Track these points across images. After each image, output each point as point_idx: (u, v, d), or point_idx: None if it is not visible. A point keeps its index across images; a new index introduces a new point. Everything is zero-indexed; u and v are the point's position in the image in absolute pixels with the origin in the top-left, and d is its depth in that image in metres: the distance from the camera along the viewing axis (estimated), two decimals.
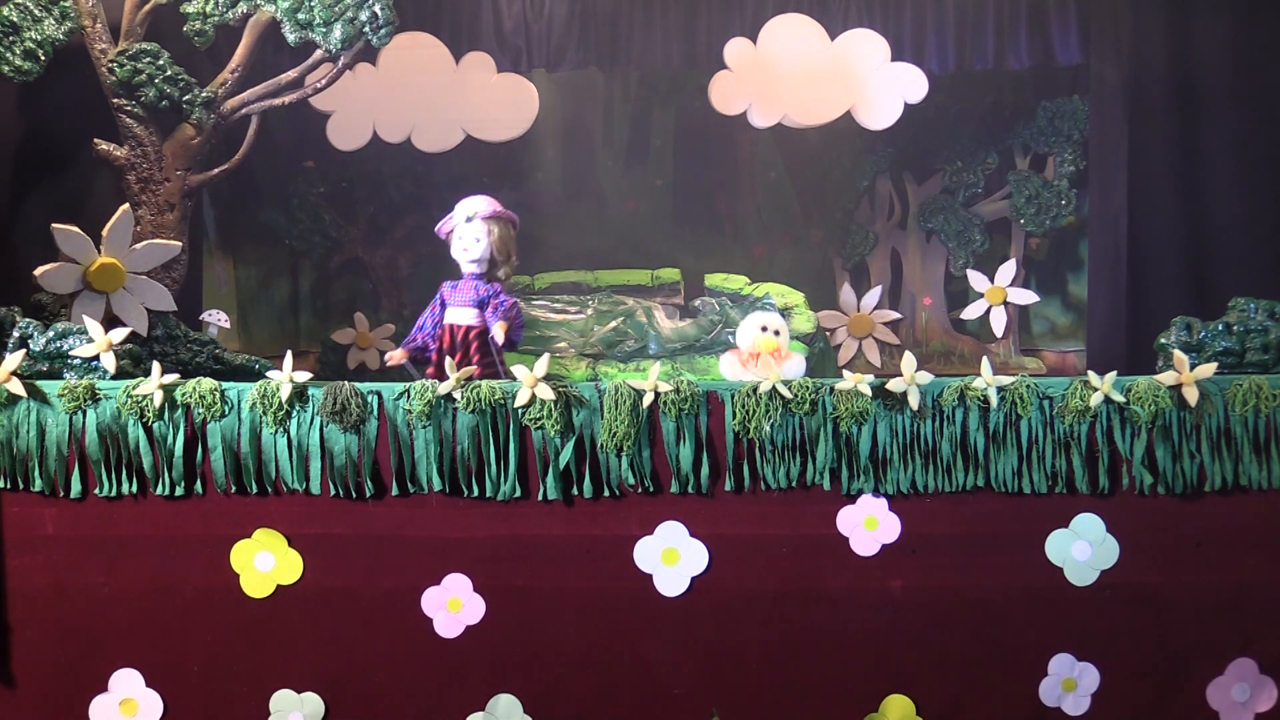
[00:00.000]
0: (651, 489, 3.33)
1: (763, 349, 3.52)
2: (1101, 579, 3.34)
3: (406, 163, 6.07)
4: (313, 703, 3.36)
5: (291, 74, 4.78)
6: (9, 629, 3.35)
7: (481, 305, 3.91)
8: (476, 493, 3.32)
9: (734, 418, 3.30)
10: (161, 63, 4.64)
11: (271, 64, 4.93)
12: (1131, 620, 3.35)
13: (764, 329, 3.59)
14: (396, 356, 3.96)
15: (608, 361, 5.44)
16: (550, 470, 3.30)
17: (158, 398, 3.28)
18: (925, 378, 3.31)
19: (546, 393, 3.26)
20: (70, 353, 3.46)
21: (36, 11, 4.47)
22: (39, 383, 3.34)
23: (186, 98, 4.68)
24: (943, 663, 3.36)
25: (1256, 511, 3.34)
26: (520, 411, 3.29)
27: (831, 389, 3.31)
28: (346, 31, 4.57)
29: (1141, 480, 3.32)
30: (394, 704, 3.36)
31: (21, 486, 3.32)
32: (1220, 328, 3.71)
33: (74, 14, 4.58)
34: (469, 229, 3.91)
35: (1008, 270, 5.61)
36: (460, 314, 3.92)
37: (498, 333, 3.82)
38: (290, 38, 4.62)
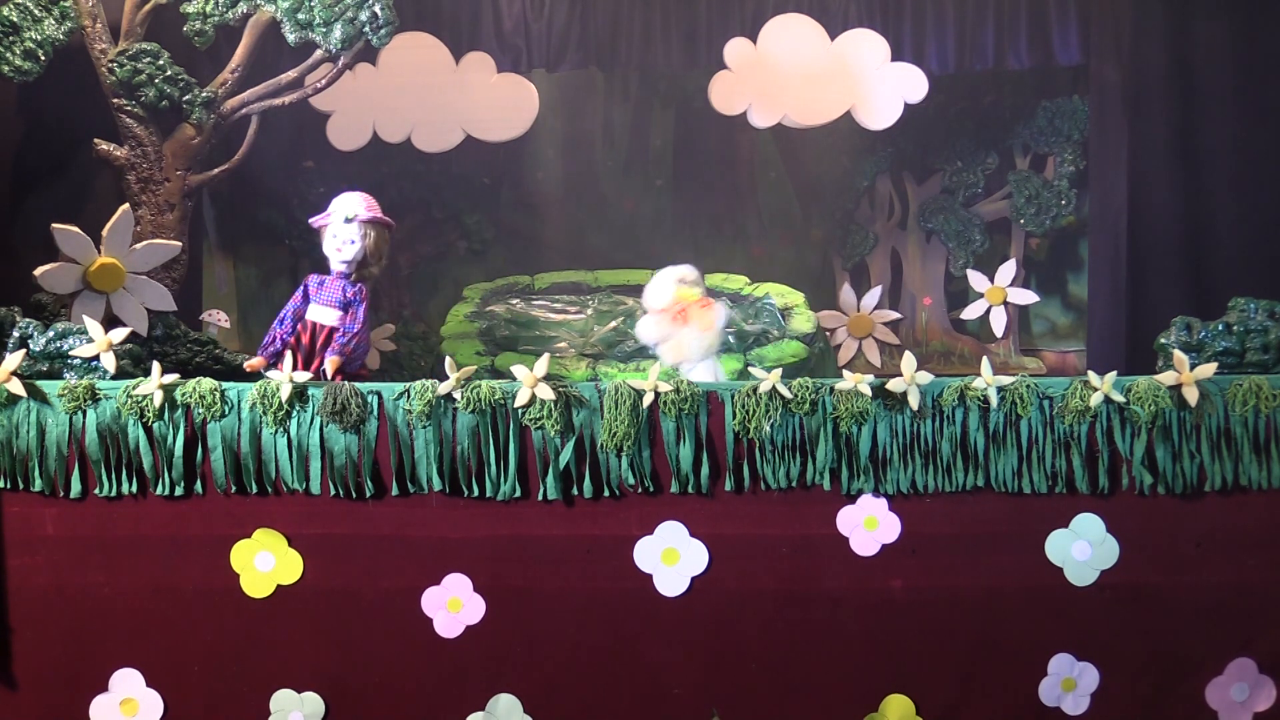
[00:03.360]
0: (651, 489, 3.33)
1: (688, 299, 3.52)
2: (1101, 579, 3.34)
3: (406, 163, 6.06)
4: (313, 703, 3.36)
5: (291, 74, 4.78)
6: (9, 629, 3.35)
7: (345, 307, 3.78)
8: (476, 493, 3.32)
9: (734, 418, 3.30)
10: (161, 63, 4.64)
11: (271, 64, 4.93)
12: (1131, 620, 3.35)
13: (682, 281, 3.59)
14: (255, 364, 3.73)
15: (608, 361, 5.43)
16: (550, 470, 3.30)
17: (158, 398, 3.28)
18: (925, 378, 3.31)
19: (546, 393, 3.26)
20: (70, 353, 3.46)
21: (36, 11, 4.47)
22: (39, 383, 3.34)
23: (186, 98, 4.68)
24: (943, 663, 3.37)
25: (1256, 511, 3.34)
26: (520, 411, 3.29)
27: (831, 389, 3.31)
28: (346, 31, 4.57)
29: (1141, 480, 3.32)
30: (394, 704, 3.37)
31: (21, 486, 3.32)
32: (1220, 328, 3.71)
33: (74, 14, 4.58)
34: (346, 229, 3.76)
35: (1008, 270, 5.60)
36: (323, 313, 3.78)
37: (328, 366, 3.65)
38: (290, 38, 4.62)
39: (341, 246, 3.77)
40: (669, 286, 3.61)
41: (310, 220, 3.89)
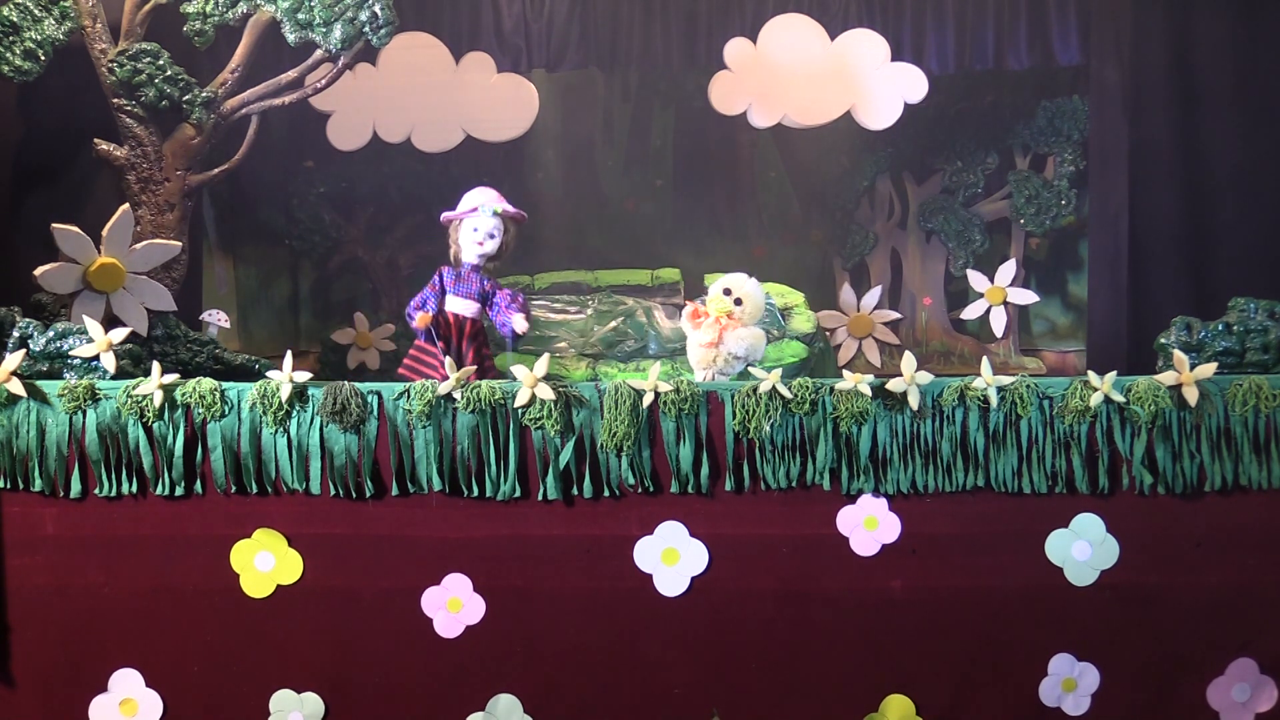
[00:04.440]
0: (651, 489, 3.33)
1: (713, 311, 3.50)
2: (1101, 579, 3.34)
3: (406, 163, 6.06)
4: (313, 703, 3.36)
5: (291, 74, 4.78)
6: (9, 629, 3.35)
7: (483, 299, 3.87)
8: (476, 493, 3.32)
9: (734, 418, 3.30)
10: (161, 63, 4.64)
11: (271, 64, 4.93)
12: (1131, 620, 3.35)
13: (726, 292, 3.56)
14: (425, 318, 3.79)
15: (608, 361, 5.43)
16: (550, 470, 3.30)
17: (158, 398, 3.28)
18: (925, 378, 3.31)
19: (546, 393, 3.26)
20: (70, 353, 3.46)
21: (36, 11, 4.47)
22: (39, 383, 3.34)
23: (186, 98, 4.67)
24: (943, 663, 3.37)
25: (1256, 511, 3.34)
26: (520, 411, 3.29)
27: (831, 389, 3.31)
28: (346, 31, 4.56)
29: (1141, 480, 3.32)
30: (394, 704, 3.37)
31: (21, 486, 3.33)
32: (1220, 328, 3.71)
33: (74, 14, 4.58)
34: (489, 222, 3.84)
35: (1008, 270, 5.60)
36: (463, 305, 3.85)
37: (519, 323, 3.79)
38: (290, 38, 4.61)
39: (484, 240, 3.85)
40: (714, 289, 3.61)
41: (443, 216, 3.93)
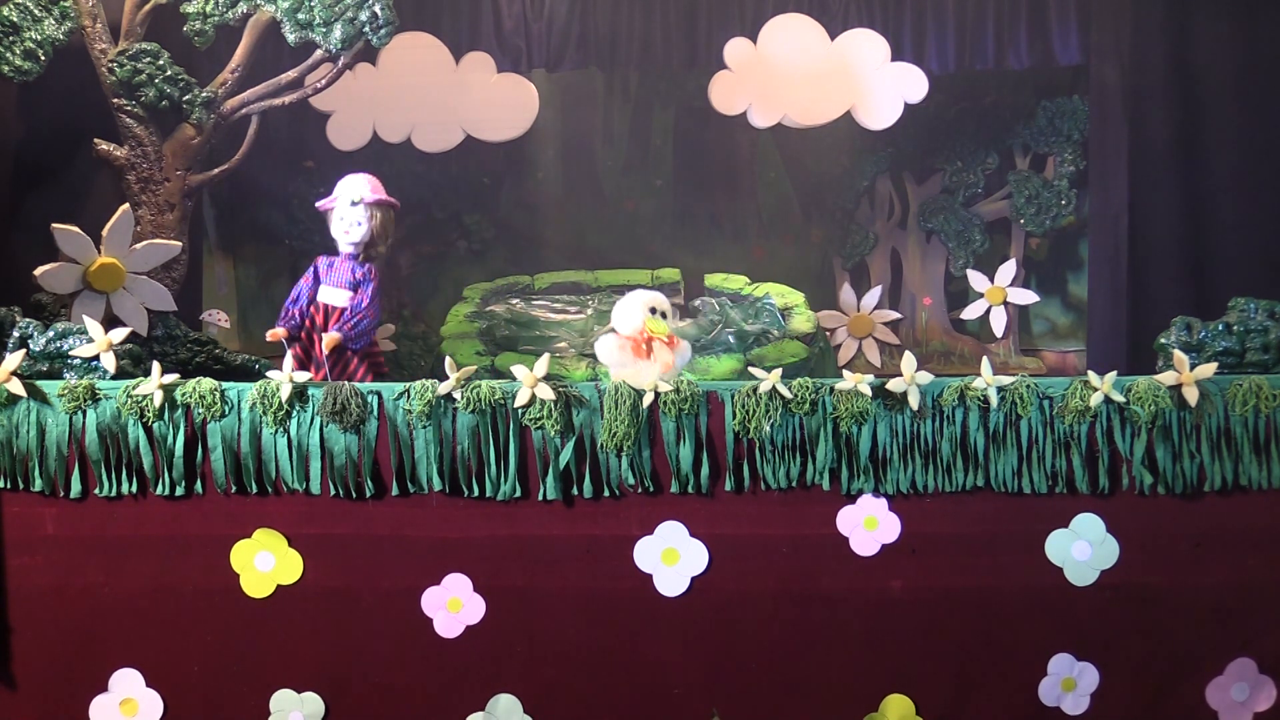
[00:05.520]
0: (651, 489, 3.33)
1: (657, 334, 3.43)
2: (1101, 579, 3.34)
3: (406, 163, 6.07)
4: (313, 703, 3.36)
5: (291, 74, 4.78)
6: (9, 629, 3.35)
7: (355, 287, 3.87)
8: (476, 493, 3.32)
9: (734, 418, 3.30)
10: (161, 63, 4.64)
11: (271, 64, 4.93)
12: (1131, 620, 3.35)
13: (653, 311, 3.49)
14: (278, 333, 3.86)
15: None
16: (550, 470, 3.30)
17: (158, 398, 3.28)
18: (925, 378, 3.31)
19: (546, 393, 3.26)
20: (70, 353, 3.46)
21: (36, 11, 4.47)
22: (39, 383, 3.34)
23: (186, 98, 4.68)
24: (943, 663, 3.37)
25: (1256, 511, 3.34)
26: (520, 411, 3.29)
27: (831, 389, 3.31)
28: (346, 31, 4.57)
29: (1141, 480, 3.32)
30: (394, 704, 3.37)
31: (21, 486, 3.32)
32: (1220, 328, 3.72)
33: (74, 14, 4.58)
34: (352, 212, 3.87)
35: (1008, 270, 5.60)
36: (333, 294, 3.87)
37: (325, 343, 3.76)
38: (290, 38, 4.62)
39: (349, 229, 3.88)
40: (638, 313, 3.48)
41: (317, 204, 3.99)
